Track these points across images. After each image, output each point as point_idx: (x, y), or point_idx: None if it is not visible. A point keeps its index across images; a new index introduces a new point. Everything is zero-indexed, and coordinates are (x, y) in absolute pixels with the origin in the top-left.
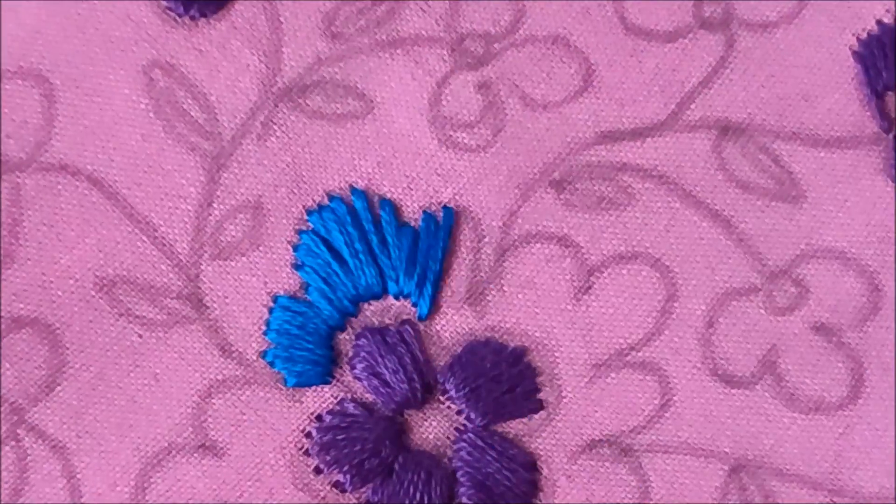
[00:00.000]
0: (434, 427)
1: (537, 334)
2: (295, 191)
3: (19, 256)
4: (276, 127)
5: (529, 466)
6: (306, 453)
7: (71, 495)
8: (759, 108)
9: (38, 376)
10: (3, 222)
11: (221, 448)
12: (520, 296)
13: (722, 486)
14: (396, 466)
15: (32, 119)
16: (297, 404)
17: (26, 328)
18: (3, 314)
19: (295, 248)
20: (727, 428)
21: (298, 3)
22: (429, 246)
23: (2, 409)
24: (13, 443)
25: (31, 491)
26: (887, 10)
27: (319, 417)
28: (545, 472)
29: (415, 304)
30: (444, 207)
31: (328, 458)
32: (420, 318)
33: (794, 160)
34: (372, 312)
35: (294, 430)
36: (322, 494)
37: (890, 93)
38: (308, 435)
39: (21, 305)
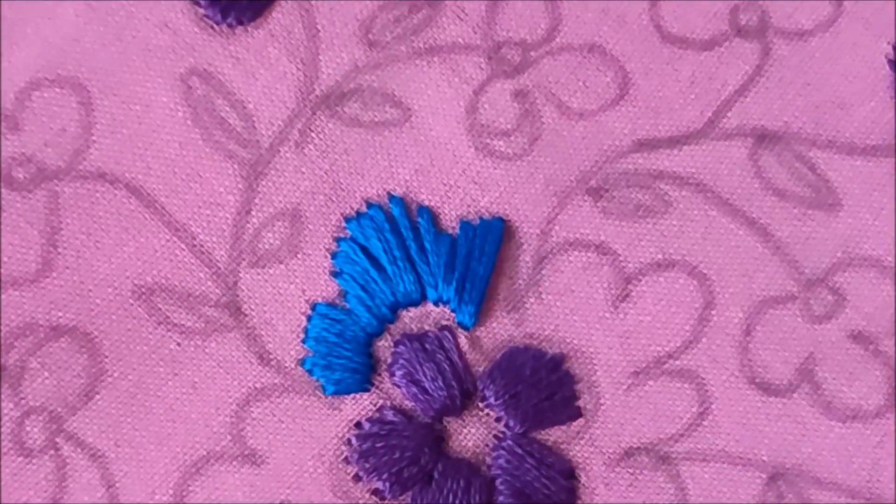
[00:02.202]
0: (473, 434)
1: (576, 342)
2: (333, 198)
3: (58, 265)
4: (313, 134)
5: (568, 474)
6: (346, 461)
7: None
8: (795, 116)
9: (77, 385)
10: (42, 231)
11: (260, 456)
12: (558, 303)
13: (760, 494)
14: (435, 474)
15: (70, 127)
16: (336, 412)
17: (65, 336)
18: (42, 322)
19: (333, 256)
20: (765, 436)
21: (336, 10)
22: (467, 253)
23: (41, 417)
24: (52, 451)
25: (70, 500)
26: None
27: (358, 425)
28: (583, 479)
29: (453, 311)
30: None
31: (367, 465)
32: (464, 327)
33: (831, 168)
34: (410, 319)
35: (333, 438)
36: (361, 502)
37: None
38: (347, 442)
39: (60, 314)
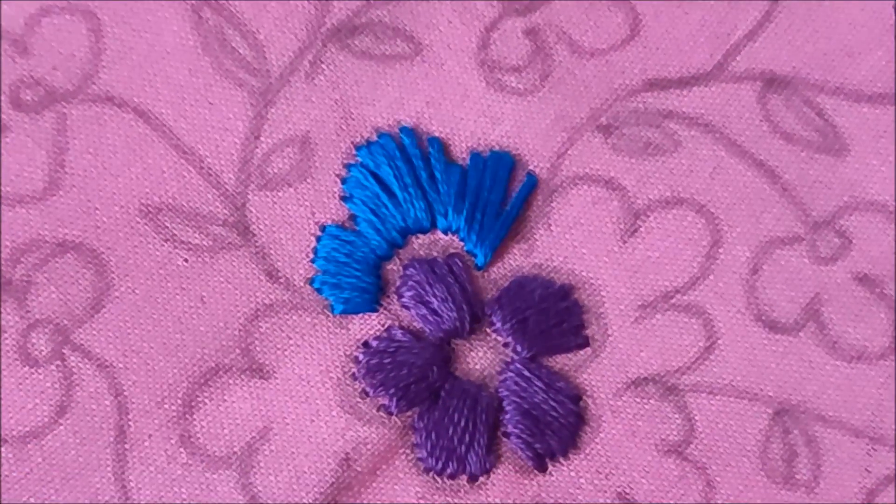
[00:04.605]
0: (481, 358)
1: (584, 273)
2: (343, 127)
3: (64, 183)
4: (324, 66)
5: (575, 399)
6: (353, 377)
7: (118, 412)
8: (803, 62)
9: (84, 298)
10: (49, 151)
11: (268, 370)
12: (567, 235)
13: (766, 429)
14: (443, 392)
15: (79, 52)
16: (344, 330)
17: (71, 252)
18: (48, 239)
19: (343, 181)
20: (771, 372)
21: None
22: (477, 185)
23: (47, 329)
24: (58, 361)
25: (76, 407)
26: None
27: (366, 343)
28: (590, 406)
29: (462, 240)
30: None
31: (374, 381)
32: (473, 255)
33: (838, 114)
34: (419, 245)
35: (341, 355)
36: (368, 417)
37: None
38: (355, 359)
39: (66, 230)
